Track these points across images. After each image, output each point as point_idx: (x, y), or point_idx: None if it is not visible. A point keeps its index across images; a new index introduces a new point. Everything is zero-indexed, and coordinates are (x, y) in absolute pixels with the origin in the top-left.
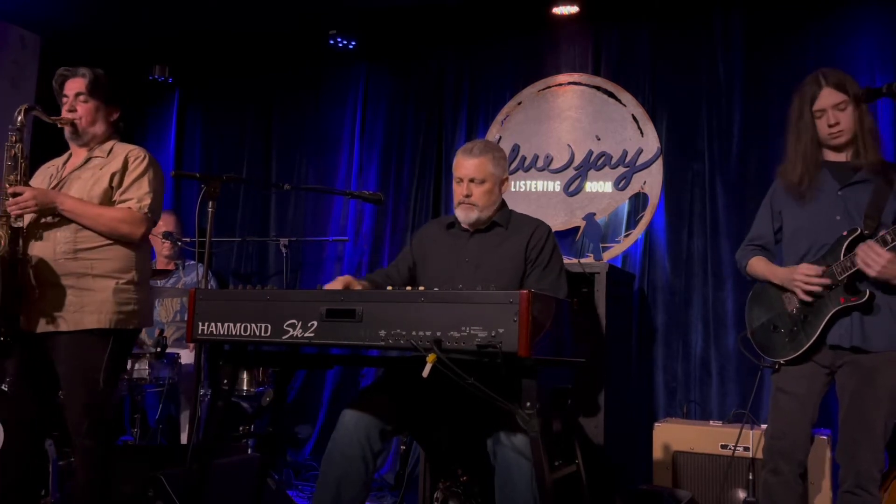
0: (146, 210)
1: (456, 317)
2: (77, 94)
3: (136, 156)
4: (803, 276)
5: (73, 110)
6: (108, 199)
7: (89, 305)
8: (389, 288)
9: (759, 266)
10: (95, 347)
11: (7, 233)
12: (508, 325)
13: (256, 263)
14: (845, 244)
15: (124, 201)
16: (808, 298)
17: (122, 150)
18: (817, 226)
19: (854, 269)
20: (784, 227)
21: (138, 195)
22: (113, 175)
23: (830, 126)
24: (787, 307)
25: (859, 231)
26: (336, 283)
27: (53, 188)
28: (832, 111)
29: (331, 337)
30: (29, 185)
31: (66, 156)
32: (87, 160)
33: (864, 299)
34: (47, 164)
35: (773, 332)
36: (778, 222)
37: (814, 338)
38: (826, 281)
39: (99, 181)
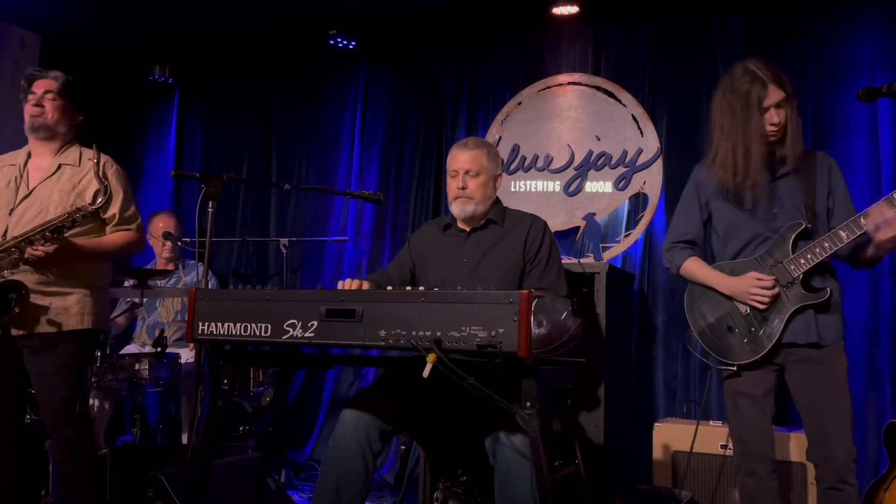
0: (141, 227)
1: (456, 317)
2: (46, 92)
3: (113, 170)
4: (759, 290)
5: (39, 105)
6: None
7: (73, 307)
8: (389, 288)
9: (696, 269)
10: (75, 346)
11: (10, 264)
12: (508, 325)
13: (256, 263)
14: (791, 239)
15: (124, 223)
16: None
17: (89, 157)
18: (755, 218)
19: (810, 267)
20: (714, 220)
21: (129, 214)
22: (97, 192)
23: (773, 124)
24: (738, 307)
25: (803, 226)
26: (348, 284)
27: (23, 198)
28: (775, 110)
29: (331, 337)
30: (63, 238)
31: (24, 154)
32: (59, 168)
33: (825, 298)
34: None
35: (727, 333)
36: (706, 214)
37: (776, 338)
38: (776, 292)
39: (81, 194)
